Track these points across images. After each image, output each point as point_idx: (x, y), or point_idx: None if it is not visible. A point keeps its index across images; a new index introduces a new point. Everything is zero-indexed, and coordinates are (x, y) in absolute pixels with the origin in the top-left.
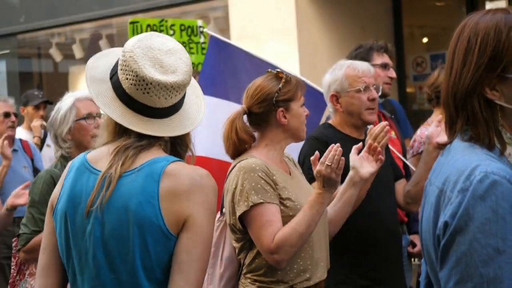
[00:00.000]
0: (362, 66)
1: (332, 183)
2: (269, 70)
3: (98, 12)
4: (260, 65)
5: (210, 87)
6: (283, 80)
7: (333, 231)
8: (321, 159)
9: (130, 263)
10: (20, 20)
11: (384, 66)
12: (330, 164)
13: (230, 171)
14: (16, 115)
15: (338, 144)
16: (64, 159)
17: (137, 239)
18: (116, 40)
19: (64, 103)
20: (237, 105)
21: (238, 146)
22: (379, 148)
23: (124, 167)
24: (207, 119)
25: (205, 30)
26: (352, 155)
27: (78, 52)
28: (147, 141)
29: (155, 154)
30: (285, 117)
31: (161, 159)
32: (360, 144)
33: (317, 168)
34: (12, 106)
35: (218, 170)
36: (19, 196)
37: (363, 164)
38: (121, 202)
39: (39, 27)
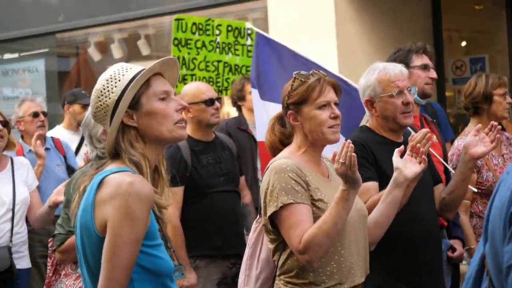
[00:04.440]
0: (394, 69)
1: (352, 180)
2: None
3: (136, 12)
4: (305, 64)
5: (265, 92)
6: (292, 83)
7: (378, 234)
8: (336, 157)
9: (83, 261)
10: (59, 19)
11: (424, 67)
12: (343, 161)
13: (265, 172)
14: (45, 113)
15: (349, 141)
16: (99, 159)
17: (80, 240)
18: (154, 41)
19: None
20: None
21: (271, 148)
22: (422, 149)
23: (89, 179)
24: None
25: (250, 26)
26: (395, 157)
27: (116, 52)
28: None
29: (110, 167)
30: (296, 120)
31: (107, 171)
32: (402, 147)
33: (334, 166)
34: (40, 105)
35: None
36: (61, 193)
37: (407, 165)
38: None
39: (77, 26)
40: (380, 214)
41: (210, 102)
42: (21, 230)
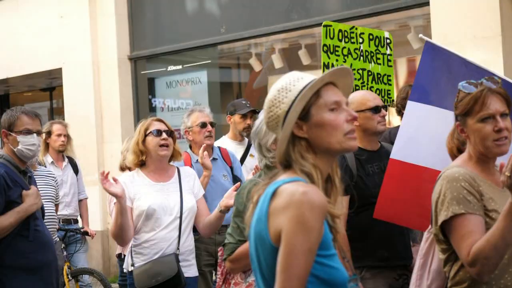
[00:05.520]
0: None
1: None
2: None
3: (297, 22)
4: (477, 71)
5: (425, 94)
6: (457, 94)
7: None
8: (503, 169)
9: (258, 270)
10: (221, 30)
11: None
12: (509, 174)
13: (437, 180)
14: (213, 124)
15: None
16: (268, 168)
17: (255, 250)
18: (316, 50)
19: None
20: (452, 113)
21: (450, 153)
22: None
23: (263, 188)
24: (421, 127)
25: (420, 35)
26: None
27: (277, 62)
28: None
29: (283, 177)
30: (463, 131)
31: (280, 181)
32: None
33: (501, 178)
34: (208, 115)
35: (430, 179)
36: (231, 197)
37: None
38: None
39: (239, 37)
40: None
41: (376, 109)
42: (188, 239)
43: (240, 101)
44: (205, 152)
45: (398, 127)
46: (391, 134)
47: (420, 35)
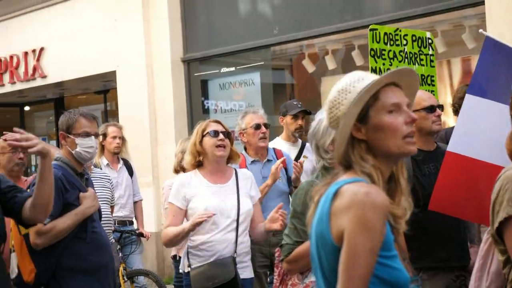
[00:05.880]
0: None
1: None
2: None
3: (351, 23)
4: None
5: (484, 89)
6: (511, 94)
7: None
8: None
9: (319, 270)
10: (274, 32)
11: None
12: None
13: (496, 181)
14: (267, 126)
15: None
16: (326, 170)
17: (316, 249)
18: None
19: None
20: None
21: (510, 155)
22: None
23: (324, 189)
24: (478, 121)
25: (480, 30)
26: None
27: (330, 63)
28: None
29: (343, 177)
30: None
31: (341, 181)
32: None
33: None
34: (262, 117)
35: (486, 173)
36: (274, 220)
37: None
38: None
39: (292, 38)
40: None
41: (431, 109)
42: (245, 241)
43: (292, 102)
44: (281, 165)
45: (454, 127)
46: (447, 135)
47: (481, 30)
